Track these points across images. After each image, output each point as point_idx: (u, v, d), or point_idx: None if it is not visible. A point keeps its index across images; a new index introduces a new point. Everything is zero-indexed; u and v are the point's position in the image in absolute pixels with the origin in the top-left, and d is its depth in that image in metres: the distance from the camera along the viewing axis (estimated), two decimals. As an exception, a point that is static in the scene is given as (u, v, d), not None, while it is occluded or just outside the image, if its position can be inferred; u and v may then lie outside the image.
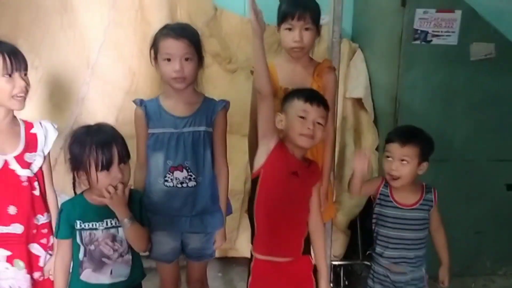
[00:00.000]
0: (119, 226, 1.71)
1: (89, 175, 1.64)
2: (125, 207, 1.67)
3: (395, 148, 1.99)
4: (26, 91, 1.76)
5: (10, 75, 1.72)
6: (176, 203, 1.91)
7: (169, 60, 1.82)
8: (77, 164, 1.66)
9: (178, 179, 1.89)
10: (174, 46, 1.81)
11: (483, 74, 2.66)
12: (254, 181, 1.84)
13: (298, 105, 1.78)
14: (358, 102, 3.03)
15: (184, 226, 1.94)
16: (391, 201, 2.05)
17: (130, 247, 1.75)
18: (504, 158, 2.82)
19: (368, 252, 2.19)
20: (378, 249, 2.10)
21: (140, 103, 1.91)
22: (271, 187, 1.81)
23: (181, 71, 1.82)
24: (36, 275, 1.87)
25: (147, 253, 1.96)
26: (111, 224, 1.71)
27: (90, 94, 3.04)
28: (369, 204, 2.85)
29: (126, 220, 1.67)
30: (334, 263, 2.77)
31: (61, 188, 1.95)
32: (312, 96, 1.80)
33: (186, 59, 1.83)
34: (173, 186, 1.90)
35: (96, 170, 1.62)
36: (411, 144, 1.98)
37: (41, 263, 1.87)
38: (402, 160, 1.98)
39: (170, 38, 1.82)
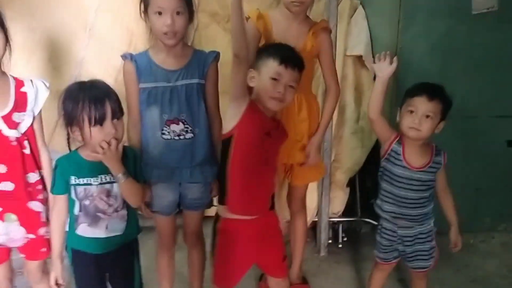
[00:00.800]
0: (114, 182, 1.73)
1: (83, 131, 1.65)
2: (118, 162, 1.69)
3: (421, 102, 1.94)
4: None
5: None
6: (175, 155, 1.93)
7: (160, 13, 1.80)
8: (70, 120, 1.67)
9: (175, 131, 1.90)
10: (165, 0, 1.79)
11: (484, 28, 2.61)
12: (226, 142, 1.81)
13: (272, 66, 1.75)
14: (359, 60, 2.98)
15: (185, 177, 1.97)
16: (401, 160, 2.02)
17: (125, 203, 1.78)
18: (504, 114, 2.80)
19: (371, 201, 2.19)
20: (378, 202, 2.11)
21: (130, 57, 1.90)
22: (246, 148, 1.80)
23: (172, 25, 1.80)
24: (42, 231, 1.90)
25: (143, 212, 2.00)
26: (106, 179, 1.73)
27: (88, 56, 3.03)
28: (368, 161, 2.87)
29: (120, 175, 1.69)
30: (333, 220, 2.79)
31: (62, 150, 1.96)
32: (288, 58, 1.75)
33: (178, 13, 1.81)
34: (171, 138, 1.91)
35: (90, 125, 1.63)
36: (437, 100, 1.95)
37: (43, 219, 1.90)
38: (427, 115, 1.94)
39: None
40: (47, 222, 1.89)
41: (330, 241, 2.79)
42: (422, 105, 1.94)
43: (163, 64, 1.90)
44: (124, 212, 1.79)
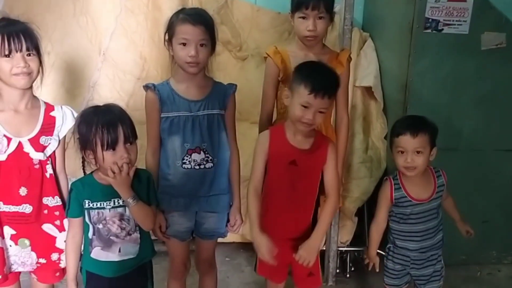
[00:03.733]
0: None
1: (96, 154, 1.67)
2: (128, 187, 1.70)
3: (407, 141, 1.96)
4: (28, 71, 1.74)
5: (8, 55, 1.72)
6: (194, 184, 1.95)
7: (184, 44, 1.84)
8: (84, 144, 1.69)
9: (196, 161, 1.93)
10: (191, 32, 1.83)
11: (493, 64, 2.65)
12: None
13: (303, 94, 1.78)
14: (368, 90, 3.03)
15: (202, 206, 1.99)
16: (409, 201, 2.04)
17: (138, 225, 1.79)
18: (511, 148, 2.82)
19: (386, 250, 2.19)
20: (401, 243, 2.10)
21: (153, 87, 1.93)
22: (271, 176, 1.91)
23: (196, 56, 1.84)
24: (54, 256, 1.90)
25: (157, 235, 2.00)
26: (119, 203, 1.74)
27: (101, 80, 3.08)
28: (376, 191, 2.88)
29: (129, 199, 1.70)
30: (340, 249, 2.79)
31: (71, 172, 1.98)
32: (319, 87, 1.77)
33: (201, 45, 1.85)
34: (191, 168, 1.93)
35: (102, 149, 1.65)
36: (422, 133, 1.96)
37: (58, 244, 1.90)
38: (417, 151, 1.96)
39: (188, 23, 1.83)
40: (61, 249, 1.89)
41: (338, 271, 2.78)
42: (408, 144, 1.96)
43: (185, 94, 1.93)
44: (137, 235, 1.80)
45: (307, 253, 1.89)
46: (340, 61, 2.16)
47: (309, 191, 1.95)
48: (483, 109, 2.74)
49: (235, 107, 2.03)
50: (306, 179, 1.92)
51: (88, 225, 1.75)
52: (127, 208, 1.75)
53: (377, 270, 2.18)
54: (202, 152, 1.93)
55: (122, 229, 1.76)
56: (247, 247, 3.00)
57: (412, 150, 1.96)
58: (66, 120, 1.89)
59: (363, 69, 3.06)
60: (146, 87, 1.95)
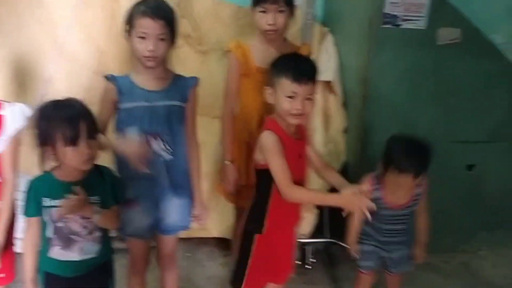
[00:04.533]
0: (91, 203, 1.69)
1: (56, 151, 1.62)
2: (87, 207, 1.66)
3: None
4: None
5: None
6: (152, 176, 1.91)
7: (143, 38, 1.81)
8: (43, 139, 1.62)
9: (154, 148, 1.90)
10: (150, 26, 1.80)
11: (449, 59, 2.73)
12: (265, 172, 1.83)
13: (285, 85, 1.76)
14: (328, 85, 3.06)
15: (162, 199, 1.96)
16: (383, 204, 2.10)
17: None
18: (465, 140, 2.92)
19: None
20: (372, 232, 2.20)
21: (112, 78, 1.90)
22: None
23: (155, 51, 1.81)
24: None
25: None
26: None
27: (56, 74, 2.98)
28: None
29: (95, 216, 1.69)
30: (301, 241, 2.82)
31: (26, 170, 1.90)
32: (300, 74, 1.75)
33: (161, 39, 1.82)
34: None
35: (63, 145, 1.60)
36: (424, 172, 2.05)
37: None
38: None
39: (147, 17, 1.79)
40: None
41: (299, 262, 2.82)
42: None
43: (144, 85, 1.90)
44: (98, 234, 1.76)
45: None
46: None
47: (307, 179, 1.97)
48: (440, 103, 2.82)
49: (197, 101, 2.00)
50: (306, 169, 1.95)
51: (47, 224, 1.70)
52: None
53: (357, 257, 2.24)
54: (159, 140, 1.90)
55: (84, 227, 1.72)
56: (208, 242, 3.00)
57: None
58: (15, 119, 1.81)
59: (323, 64, 3.08)
60: (106, 78, 1.91)
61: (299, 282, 2.72)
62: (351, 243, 2.21)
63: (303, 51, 2.19)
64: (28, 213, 1.70)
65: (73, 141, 1.59)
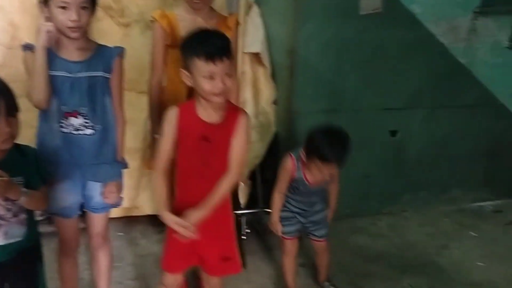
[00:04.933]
0: None
1: None
2: (12, 188, 1.56)
3: (331, 167, 2.09)
4: None
5: None
6: (74, 151, 1.86)
7: (64, 8, 1.71)
8: None
9: (73, 125, 1.83)
10: None
11: (371, 28, 2.81)
12: None
13: (200, 65, 1.65)
14: (256, 57, 3.06)
15: (86, 175, 1.90)
16: (304, 183, 2.19)
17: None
18: (388, 107, 3.05)
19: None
20: (291, 204, 2.30)
21: (31, 47, 1.79)
22: (182, 152, 1.80)
23: (78, 20, 1.72)
24: None
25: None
26: None
27: (-34, 50, 2.76)
28: (268, 154, 2.97)
29: (21, 198, 1.59)
30: (236, 212, 2.84)
31: None
32: (213, 53, 1.64)
33: (83, 8, 1.74)
34: (69, 132, 1.83)
35: None
36: (344, 161, 2.10)
37: None
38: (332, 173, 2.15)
39: None
40: None
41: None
42: (331, 169, 2.11)
43: (65, 55, 1.81)
44: (23, 216, 1.67)
45: (189, 221, 1.73)
46: (229, 25, 2.16)
47: (223, 168, 1.79)
48: (363, 72, 2.92)
49: (122, 72, 1.92)
50: (219, 155, 1.79)
51: (-33, 208, 1.59)
52: None
53: (280, 234, 2.31)
54: (80, 117, 1.83)
55: (8, 210, 1.62)
56: (141, 220, 2.95)
57: (332, 172, 2.13)
58: None
59: (250, 35, 3.07)
60: (25, 47, 1.80)
61: (235, 253, 2.75)
62: (275, 222, 2.29)
63: (231, 21, 2.17)
64: None
65: None
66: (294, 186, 2.24)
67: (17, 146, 1.65)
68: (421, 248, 2.89)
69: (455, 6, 2.94)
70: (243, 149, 1.80)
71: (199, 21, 2.08)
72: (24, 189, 1.60)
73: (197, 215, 1.74)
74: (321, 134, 2.09)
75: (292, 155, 2.20)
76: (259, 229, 2.97)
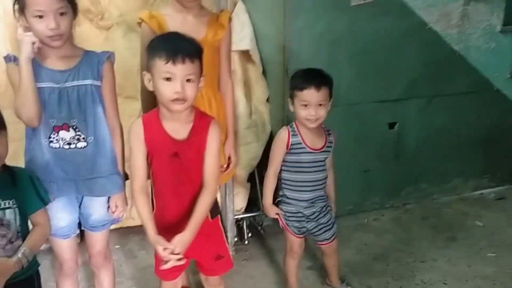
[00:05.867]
0: (6, 208, 1.52)
1: None
2: (12, 268, 1.51)
3: (311, 94, 2.01)
4: None
5: None
6: (67, 166, 1.74)
7: (40, 17, 1.59)
8: None
9: (65, 139, 1.72)
10: (45, 2, 1.58)
11: (363, 19, 2.74)
12: None
13: (159, 66, 1.53)
14: (245, 54, 2.96)
15: (81, 190, 1.79)
16: (304, 147, 2.09)
17: (19, 232, 1.56)
18: (385, 99, 2.98)
19: (277, 200, 2.21)
20: (292, 194, 2.16)
21: (14, 59, 1.66)
22: (155, 169, 1.70)
23: (57, 28, 1.60)
24: None
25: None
26: None
27: None
28: (265, 155, 2.87)
29: (23, 260, 1.54)
30: (236, 217, 2.75)
31: None
32: (174, 52, 1.52)
33: (61, 14, 1.61)
34: (60, 147, 1.72)
35: None
36: (324, 87, 2.03)
37: None
38: (320, 104, 2.02)
39: None
40: None
41: (236, 239, 2.75)
42: (313, 97, 2.02)
43: (50, 65, 1.69)
44: (19, 242, 1.57)
45: (179, 248, 1.63)
46: (221, 22, 2.06)
47: (196, 183, 1.71)
48: (357, 64, 2.84)
49: (113, 77, 1.80)
50: (191, 171, 1.70)
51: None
52: (7, 211, 1.53)
53: (282, 213, 2.19)
54: (71, 130, 1.71)
55: (2, 236, 1.51)
56: (137, 230, 2.82)
57: (316, 103, 2.01)
58: None
59: (237, 33, 2.97)
60: (7, 59, 1.68)
61: (239, 260, 2.66)
62: (268, 206, 2.17)
63: (223, 18, 2.07)
64: None
65: None
66: (293, 162, 2.11)
67: (7, 168, 1.55)
68: (429, 242, 2.82)
69: (446, -7, 2.88)
70: (217, 161, 1.72)
71: (190, 19, 1.99)
72: (19, 254, 1.53)
73: (184, 240, 1.64)
74: (298, 70, 2.13)
75: (287, 126, 2.14)
76: (260, 232, 2.89)
